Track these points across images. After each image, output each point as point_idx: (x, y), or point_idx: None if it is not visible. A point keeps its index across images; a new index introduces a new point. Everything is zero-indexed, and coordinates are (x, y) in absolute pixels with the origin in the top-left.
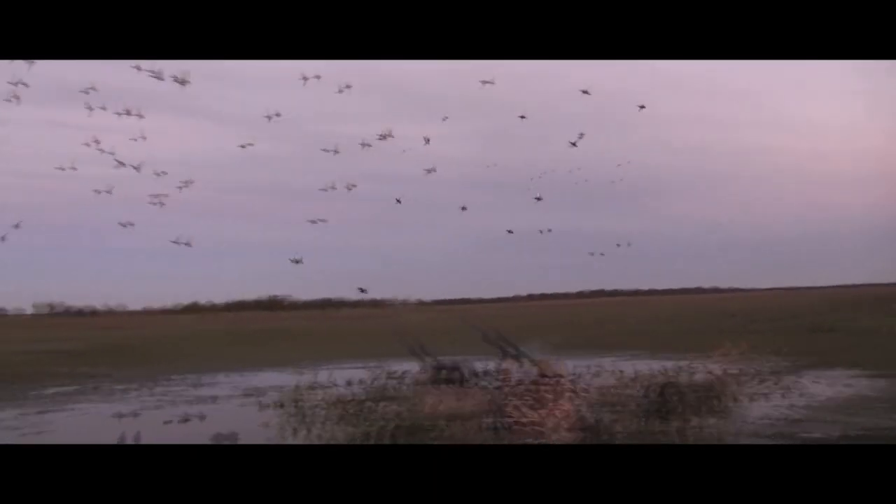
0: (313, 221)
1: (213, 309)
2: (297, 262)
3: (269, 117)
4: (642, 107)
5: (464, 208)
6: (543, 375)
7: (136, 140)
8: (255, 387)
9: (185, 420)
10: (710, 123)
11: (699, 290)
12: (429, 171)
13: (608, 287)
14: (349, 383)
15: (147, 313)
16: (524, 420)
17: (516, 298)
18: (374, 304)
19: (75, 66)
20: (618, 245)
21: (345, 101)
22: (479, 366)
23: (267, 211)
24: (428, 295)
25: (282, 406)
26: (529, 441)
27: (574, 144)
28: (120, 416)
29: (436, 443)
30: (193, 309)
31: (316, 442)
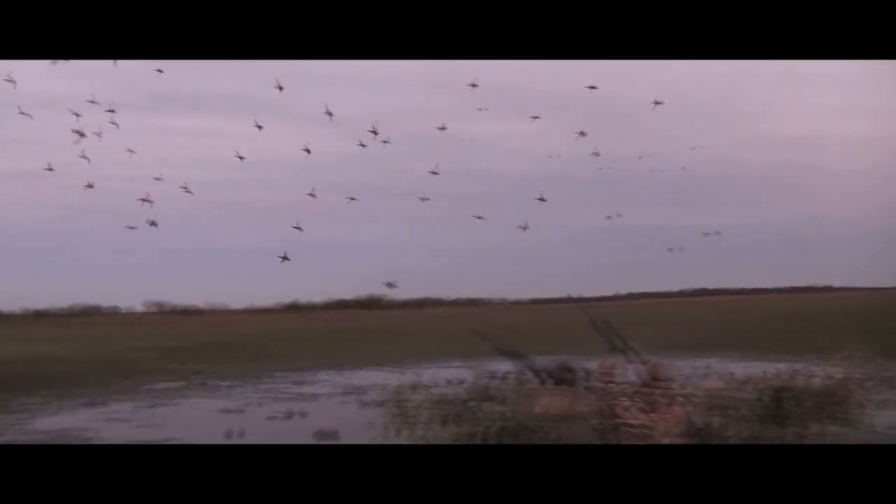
0: (412, 220)
1: (313, 308)
2: (284, 258)
3: (368, 119)
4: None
5: (542, 199)
6: (654, 377)
7: (239, 144)
8: (355, 385)
9: (288, 417)
10: (821, 113)
11: (809, 290)
12: (517, 169)
13: (707, 285)
14: (449, 382)
15: (249, 312)
16: (634, 423)
17: (611, 297)
18: (472, 302)
19: (185, 74)
20: (705, 234)
21: (442, 100)
22: (585, 365)
23: (366, 210)
24: (522, 294)
25: (384, 405)
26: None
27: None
28: (226, 411)
29: (544, 443)
30: (294, 308)
31: (420, 442)
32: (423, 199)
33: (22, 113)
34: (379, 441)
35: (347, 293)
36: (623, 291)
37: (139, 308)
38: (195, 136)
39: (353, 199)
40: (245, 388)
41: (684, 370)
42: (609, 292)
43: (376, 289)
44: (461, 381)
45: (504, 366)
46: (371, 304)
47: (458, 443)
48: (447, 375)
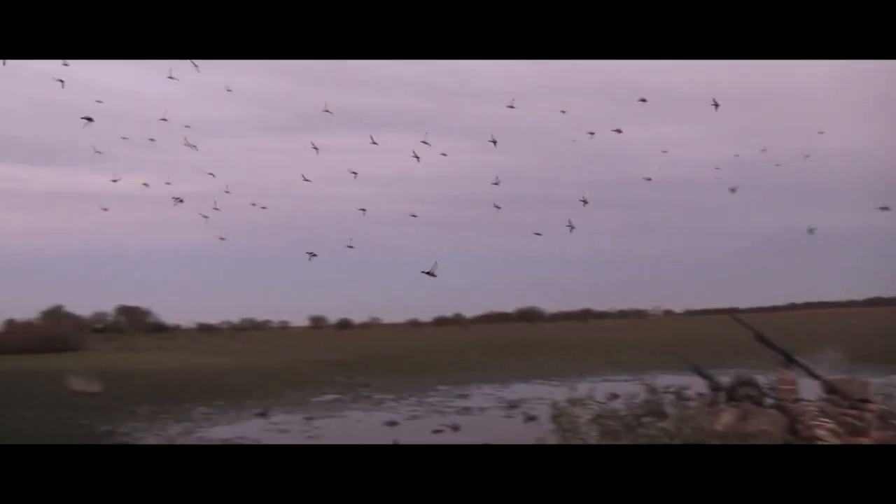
0: (571, 228)
1: (472, 321)
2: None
3: (512, 128)
4: None
5: (735, 189)
6: (846, 396)
7: (387, 159)
8: (519, 398)
9: (454, 430)
10: None
11: None
12: (670, 174)
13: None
14: (614, 396)
15: (409, 325)
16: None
17: (778, 308)
18: (638, 314)
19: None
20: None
21: (588, 105)
22: (767, 380)
23: (519, 221)
24: (684, 304)
25: (551, 419)
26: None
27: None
28: (391, 423)
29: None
30: (453, 321)
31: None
32: (583, 202)
33: (188, 145)
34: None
35: (508, 305)
36: (786, 301)
37: (302, 322)
38: (348, 152)
39: (497, 207)
40: (409, 401)
41: (875, 388)
42: (777, 301)
43: (538, 300)
44: (628, 396)
45: (674, 379)
46: (532, 316)
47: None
48: (613, 389)
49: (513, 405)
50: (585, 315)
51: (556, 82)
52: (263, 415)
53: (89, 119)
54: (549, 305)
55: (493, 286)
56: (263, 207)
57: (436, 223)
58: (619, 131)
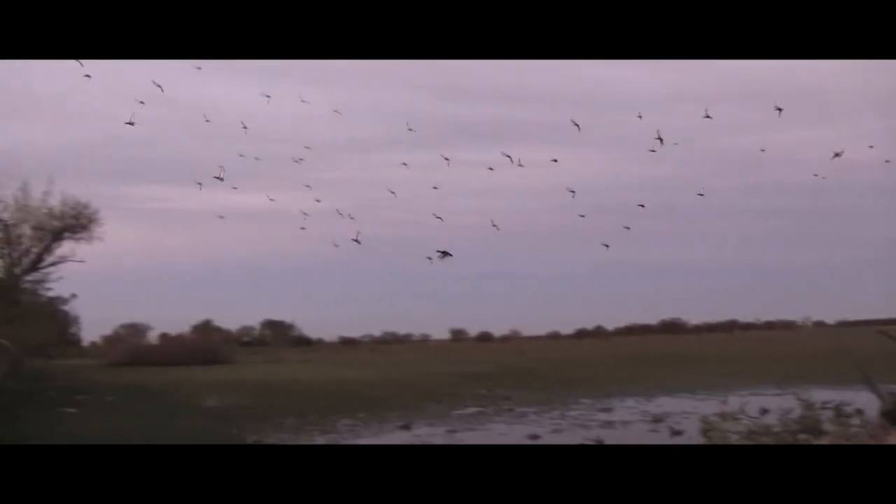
0: (717, 239)
1: (613, 333)
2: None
3: (660, 139)
4: None
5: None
6: None
7: (519, 170)
8: (664, 412)
9: (598, 443)
10: None
11: None
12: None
13: None
14: (765, 411)
15: (548, 338)
16: None
17: None
18: (786, 325)
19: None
20: None
21: (733, 110)
22: None
23: (664, 231)
24: (836, 315)
25: (701, 434)
26: None
27: None
28: (533, 437)
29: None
30: (594, 333)
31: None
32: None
33: (329, 162)
34: None
35: (650, 317)
36: None
37: (443, 335)
38: (482, 165)
39: (641, 205)
40: (551, 415)
41: None
42: None
43: (681, 312)
44: (781, 411)
45: (830, 394)
46: (676, 327)
47: None
48: (764, 403)
49: (658, 419)
50: (731, 326)
51: (694, 87)
52: (406, 427)
53: (246, 130)
54: (693, 316)
55: (634, 297)
56: (396, 222)
57: (574, 234)
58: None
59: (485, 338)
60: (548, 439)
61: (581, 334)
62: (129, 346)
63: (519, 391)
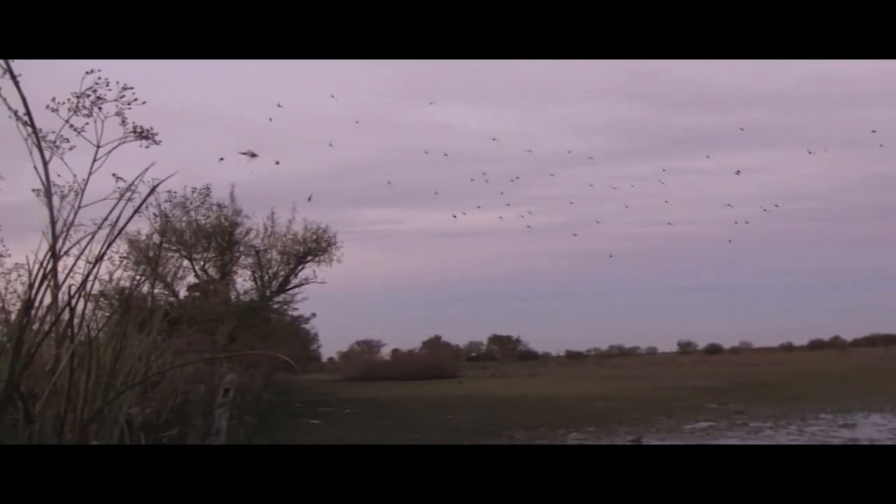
0: None
1: (852, 343)
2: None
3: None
4: None
5: None
6: None
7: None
8: None
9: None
10: None
11: None
12: None
13: None
14: None
15: (780, 349)
16: None
17: None
18: None
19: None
20: None
21: None
22: None
23: None
24: None
25: None
26: None
27: None
28: None
29: None
30: (830, 344)
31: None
32: None
33: (550, 175)
34: None
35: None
36: None
37: (670, 348)
38: (705, 174)
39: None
40: (788, 430)
41: None
42: None
43: None
44: None
45: None
46: None
47: None
48: None
49: None
50: None
51: None
52: (637, 441)
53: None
54: None
55: (874, 306)
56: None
57: (805, 242)
58: None
59: (714, 350)
60: None
61: (815, 345)
62: (363, 362)
63: (752, 405)
